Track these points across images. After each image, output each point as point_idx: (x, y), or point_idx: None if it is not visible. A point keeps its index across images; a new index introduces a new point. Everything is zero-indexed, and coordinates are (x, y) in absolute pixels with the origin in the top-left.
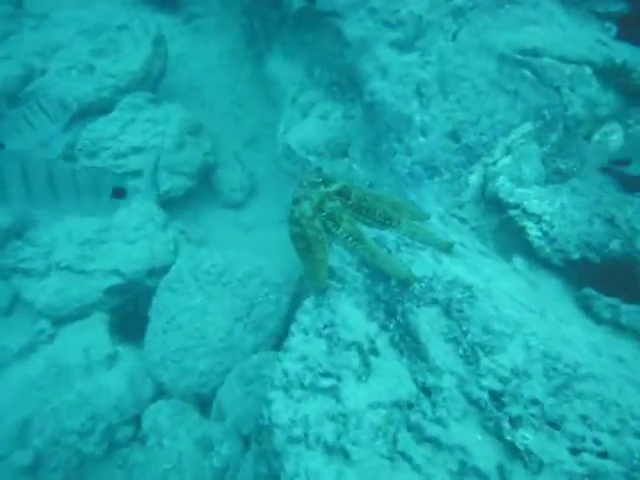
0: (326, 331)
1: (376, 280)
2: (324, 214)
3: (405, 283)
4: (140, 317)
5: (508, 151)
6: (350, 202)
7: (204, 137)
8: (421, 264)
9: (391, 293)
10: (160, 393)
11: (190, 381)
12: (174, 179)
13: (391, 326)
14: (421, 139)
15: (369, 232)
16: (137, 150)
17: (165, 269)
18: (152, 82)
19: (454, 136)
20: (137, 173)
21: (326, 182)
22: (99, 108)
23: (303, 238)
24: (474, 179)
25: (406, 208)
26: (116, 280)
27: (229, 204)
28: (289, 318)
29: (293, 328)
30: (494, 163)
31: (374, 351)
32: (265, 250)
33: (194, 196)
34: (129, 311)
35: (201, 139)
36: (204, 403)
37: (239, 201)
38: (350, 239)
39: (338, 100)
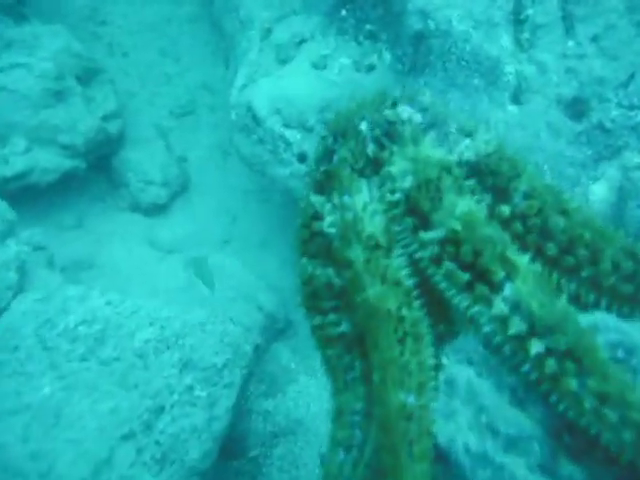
0: None
1: None
2: (438, 245)
3: None
4: None
5: None
6: (515, 211)
7: (104, 90)
8: None
9: None
10: None
11: None
12: (38, 153)
13: None
14: (511, 108)
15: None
16: None
17: None
18: None
19: (576, 107)
20: None
21: (436, 127)
22: None
23: (345, 308)
24: (600, 192)
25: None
26: None
27: (140, 206)
28: (233, 442)
29: None
30: None
31: None
32: (195, 293)
33: (79, 187)
34: None
35: (99, 92)
36: None
37: (158, 202)
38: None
39: (349, 36)
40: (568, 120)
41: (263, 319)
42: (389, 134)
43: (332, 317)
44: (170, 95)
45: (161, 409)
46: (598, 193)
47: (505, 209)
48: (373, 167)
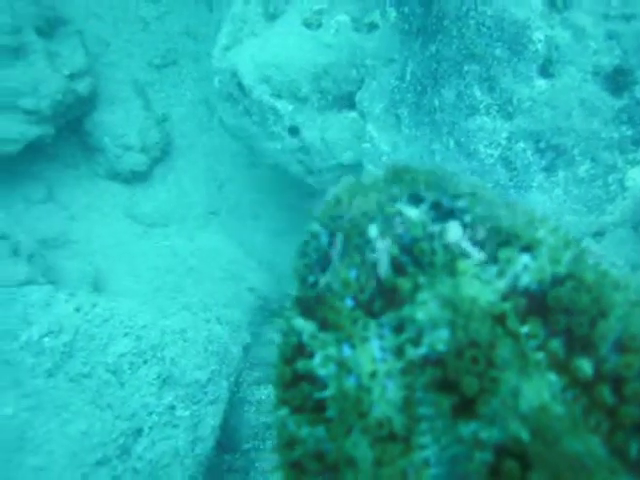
0: None
1: None
2: None
3: None
4: None
5: None
6: None
7: (71, 43)
8: None
9: None
10: None
11: None
12: None
13: None
14: (539, 82)
15: None
16: None
17: None
18: None
19: (617, 80)
20: None
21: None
22: None
23: None
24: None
25: None
26: None
27: (118, 174)
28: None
29: None
30: None
31: None
32: (182, 272)
33: (48, 155)
34: None
35: (64, 46)
36: None
37: (138, 169)
38: None
39: None
40: (607, 95)
41: (255, 301)
42: (413, 255)
43: None
44: (148, 43)
45: (139, 432)
46: (637, 179)
47: (584, 366)
48: (386, 299)
